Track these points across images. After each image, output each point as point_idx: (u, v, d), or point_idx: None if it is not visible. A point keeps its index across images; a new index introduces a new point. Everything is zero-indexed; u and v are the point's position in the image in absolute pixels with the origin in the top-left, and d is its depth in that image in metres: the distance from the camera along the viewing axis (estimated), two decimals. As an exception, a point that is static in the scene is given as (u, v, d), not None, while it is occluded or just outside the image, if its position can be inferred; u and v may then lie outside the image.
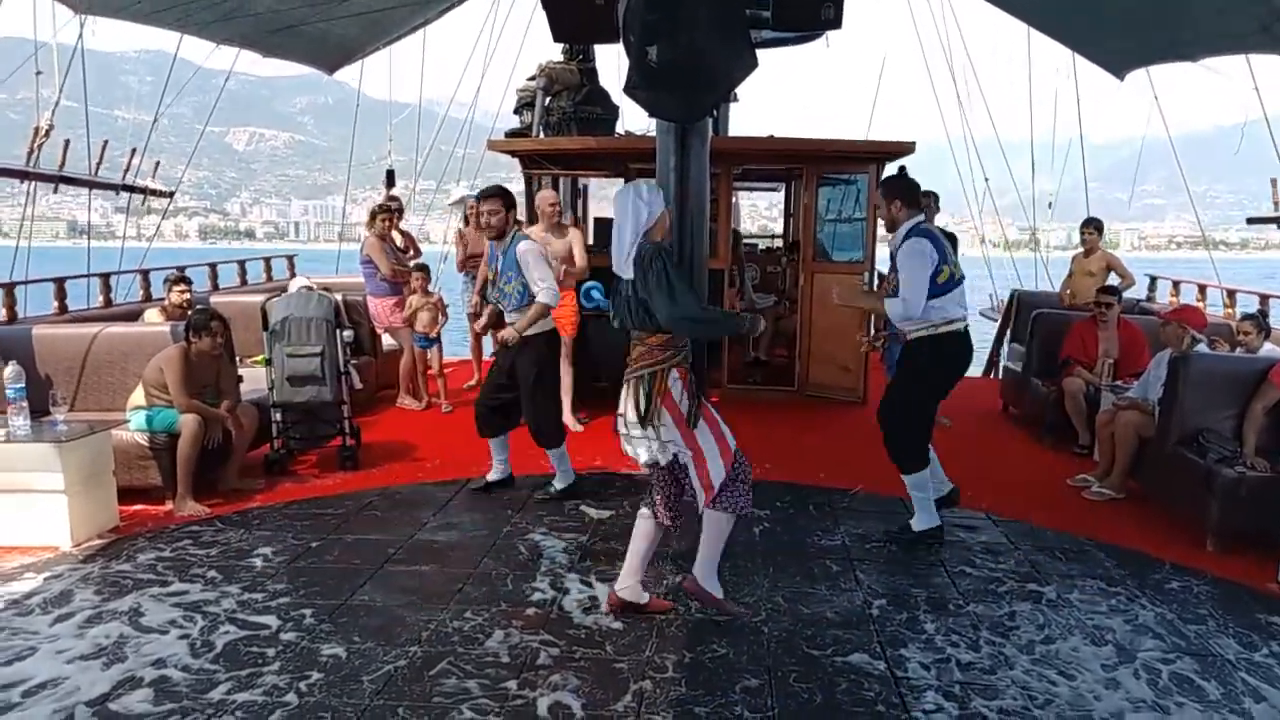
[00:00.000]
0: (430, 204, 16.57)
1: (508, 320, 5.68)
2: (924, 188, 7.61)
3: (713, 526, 3.97)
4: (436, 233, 17.74)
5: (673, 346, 3.92)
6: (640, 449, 3.96)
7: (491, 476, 5.95)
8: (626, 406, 3.96)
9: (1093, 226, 8.66)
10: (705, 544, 4.01)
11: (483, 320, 6.33)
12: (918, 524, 5.03)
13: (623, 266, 3.99)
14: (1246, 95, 9.54)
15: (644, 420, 3.88)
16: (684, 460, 3.95)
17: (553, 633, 3.91)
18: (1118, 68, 10.22)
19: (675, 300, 3.80)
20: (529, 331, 5.59)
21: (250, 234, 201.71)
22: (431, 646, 3.77)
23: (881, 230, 5.92)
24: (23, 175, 8.53)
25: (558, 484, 5.81)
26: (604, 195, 11.88)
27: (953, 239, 7.59)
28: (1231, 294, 9.63)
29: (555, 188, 9.14)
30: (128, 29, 9.04)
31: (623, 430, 4.02)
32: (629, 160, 8.36)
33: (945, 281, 4.82)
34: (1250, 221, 11.30)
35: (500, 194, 5.73)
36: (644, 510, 4.12)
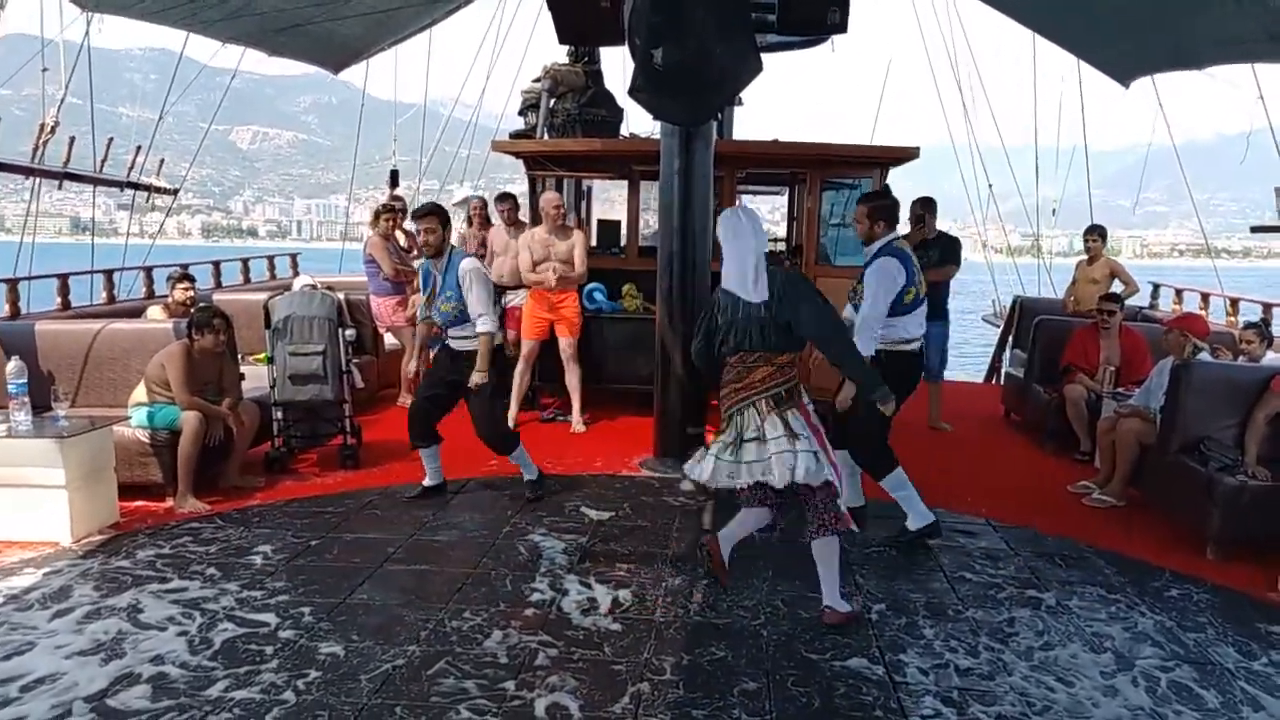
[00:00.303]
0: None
1: (447, 337, 5.55)
2: (925, 194, 7.58)
3: (825, 549, 4.11)
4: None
5: (795, 365, 4.14)
6: (780, 468, 3.89)
7: (429, 481, 5.80)
8: (765, 428, 3.96)
9: (1097, 233, 8.64)
10: (824, 568, 4.13)
11: (411, 364, 6.38)
12: (912, 523, 5.02)
13: (750, 290, 4.07)
14: (1251, 104, 9.55)
15: (792, 434, 3.94)
16: (813, 479, 3.93)
17: (551, 634, 3.91)
18: (1122, 75, 10.20)
19: (827, 313, 4.07)
20: (472, 347, 5.45)
21: (253, 232, 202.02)
22: (430, 646, 3.77)
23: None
24: (28, 171, 8.56)
25: (529, 476, 5.77)
26: (607, 198, 11.89)
27: (956, 243, 7.59)
28: (1235, 302, 9.62)
29: (559, 189, 9.16)
30: (132, 27, 9.09)
31: (753, 455, 3.96)
32: (633, 163, 8.37)
33: (910, 301, 4.88)
34: (1254, 230, 11.31)
35: (435, 211, 5.49)
36: (754, 505, 4.23)
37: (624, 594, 4.32)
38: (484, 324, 5.35)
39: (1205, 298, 10.04)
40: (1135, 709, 3.42)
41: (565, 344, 7.44)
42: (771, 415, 3.99)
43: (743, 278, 4.08)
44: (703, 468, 4.10)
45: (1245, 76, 9.14)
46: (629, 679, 3.53)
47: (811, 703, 3.40)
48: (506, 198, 8.31)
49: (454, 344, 5.54)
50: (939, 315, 7.63)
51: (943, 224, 8.06)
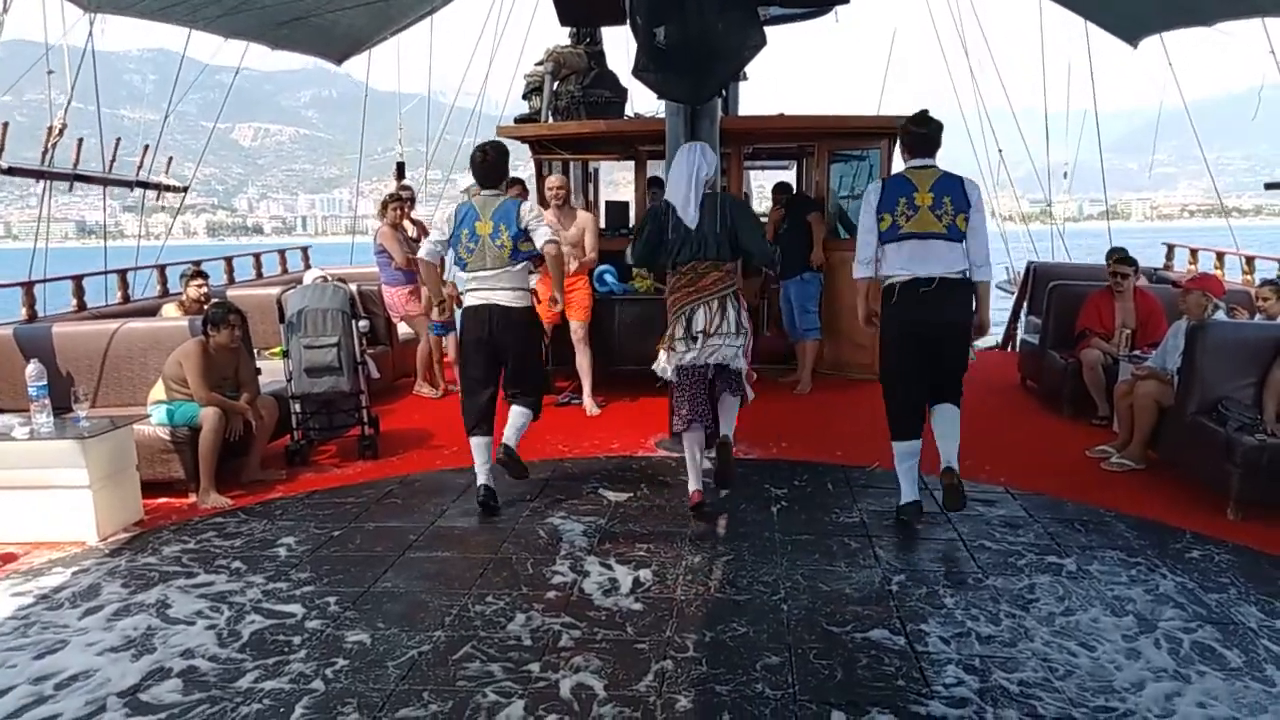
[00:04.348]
0: (441, 194, 16.59)
1: (493, 287, 5.13)
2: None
3: (733, 407, 5.20)
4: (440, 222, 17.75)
5: (735, 271, 5.02)
6: (724, 355, 4.91)
7: (491, 481, 5.34)
8: (717, 320, 4.87)
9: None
10: (727, 414, 5.20)
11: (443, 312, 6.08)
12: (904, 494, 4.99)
13: (685, 208, 4.95)
14: (1261, 59, 9.41)
15: (738, 328, 4.92)
16: (737, 365, 4.98)
17: (574, 615, 3.94)
18: (1131, 34, 10.10)
19: (763, 238, 5.06)
20: (519, 304, 5.18)
21: (258, 229, 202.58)
22: (454, 631, 3.81)
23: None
24: (38, 175, 8.61)
25: (512, 442, 5.34)
26: (613, 180, 11.86)
27: (802, 201, 8.39)
28: (1250, 260, 9.53)
29: (565, 172, 9.14)
30: (130, 29, 9.10)
31: (710, 342, 4.88)
32: (638, 143, 8.35)
33: (885, 230, 4.72)
34: (1269, 187, 11.19)
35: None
36: (691, 427, 5.08)
37: (644, 573, 4.35)
38: (544, 237, 5.11)
39: (1220, 257, 9.96)
40: (1158, 671, 3.43)
41: (576, 327, 7.44)
42: (721, 312, 4.88)
43: (683, 198, 4.97)
44: (665, 364, 5.06)
45: (1254, 31, 9.01)
46: (652, 657, 3.56)
47: (834, 675, 3.42)
48: (514, 183, 8.29)
49: (503, 300, 5.15)
50: (795, 271, 8.08)
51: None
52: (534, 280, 7.60)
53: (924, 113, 4.88)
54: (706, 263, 4.92)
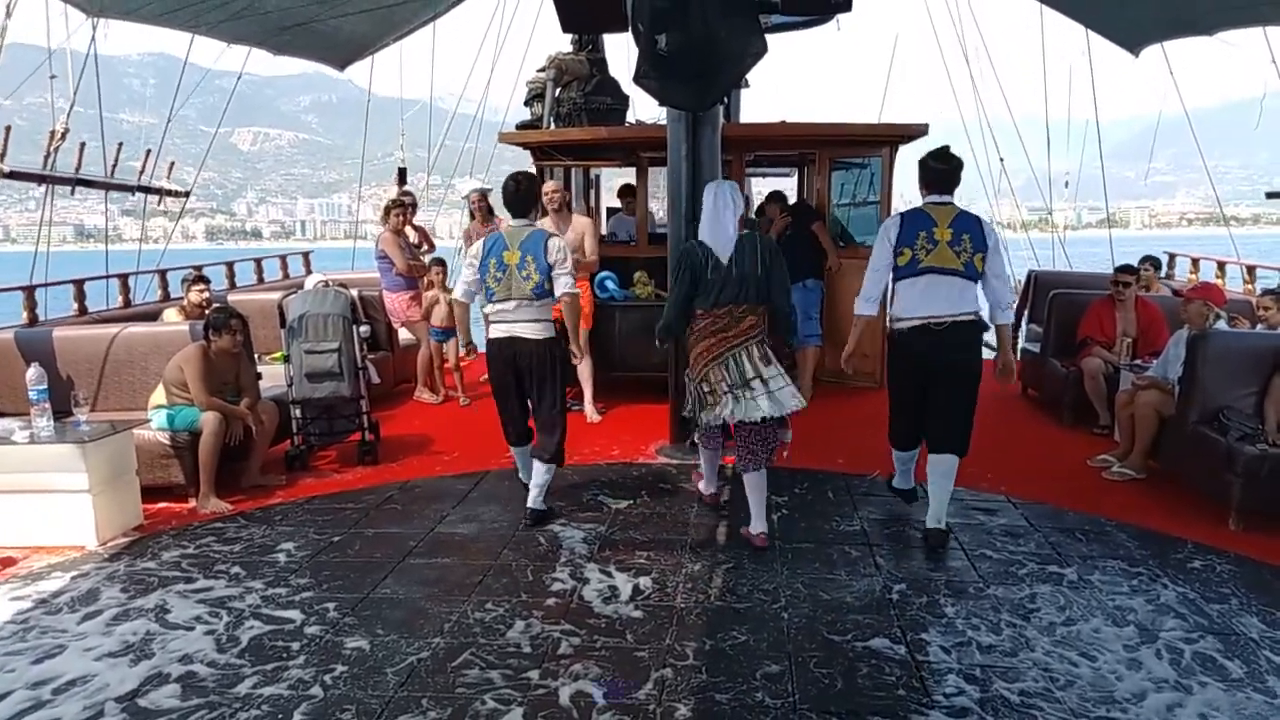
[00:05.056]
0: (441, 200, 16.59)
1: (515, 319, 5.09)
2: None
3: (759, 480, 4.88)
4: (443, 228, 17.73)
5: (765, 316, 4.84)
6: (777, 402, 4.67)
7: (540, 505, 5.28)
8: (759, 367, 4.68)
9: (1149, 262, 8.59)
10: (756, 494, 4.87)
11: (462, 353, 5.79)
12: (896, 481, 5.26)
13: (725, 248, 4.74)
14: (1260, 68, 9.43)
15: (781, 374, 4.74)
16: (794, 405, 4.74)
17: (573, 622, 3.93)
18: (1132, 44, 10.10)
19: (789, 293, 4.80)
20: (542, 335, 5.14)
21: (257, 234, 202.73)
22: (454, 638, 3.80)
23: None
24: (41, 179, 8.59)
25: (539, 504, 5.29)
26: (612, 186, 11.87)
27: (802, 209, 8.29)
28: (1251, 270, 9.53)
29: (567, 179, 9.14)
30: (131, 33, 9.06)
31: (758, 391, 4.65)
32: (640, 149, 8.35)
33: (903, 265, 4.67)
34: (1270, 196, 11.19)
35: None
36: (750, 469, 4.81)
37: (645, 581, 4.34)
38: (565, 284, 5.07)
39: (1221, 266, 9.96)
40: (1159, 681, 3.42)
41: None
42: (762, 358, 4.72)
43: (724, 238, 4.76)
44: (719, 411, 4.71)
45: (1253, 40, 9.02)
46: (652, 665, 3.55)
47: (834, 684, 3.41)
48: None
49: (526, 333, 5.10)
50: (798, 278, 7.93)
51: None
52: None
53: (945, 149, 4.86)
54: (744, 306, 4.71)
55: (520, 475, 5.64)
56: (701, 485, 5.49)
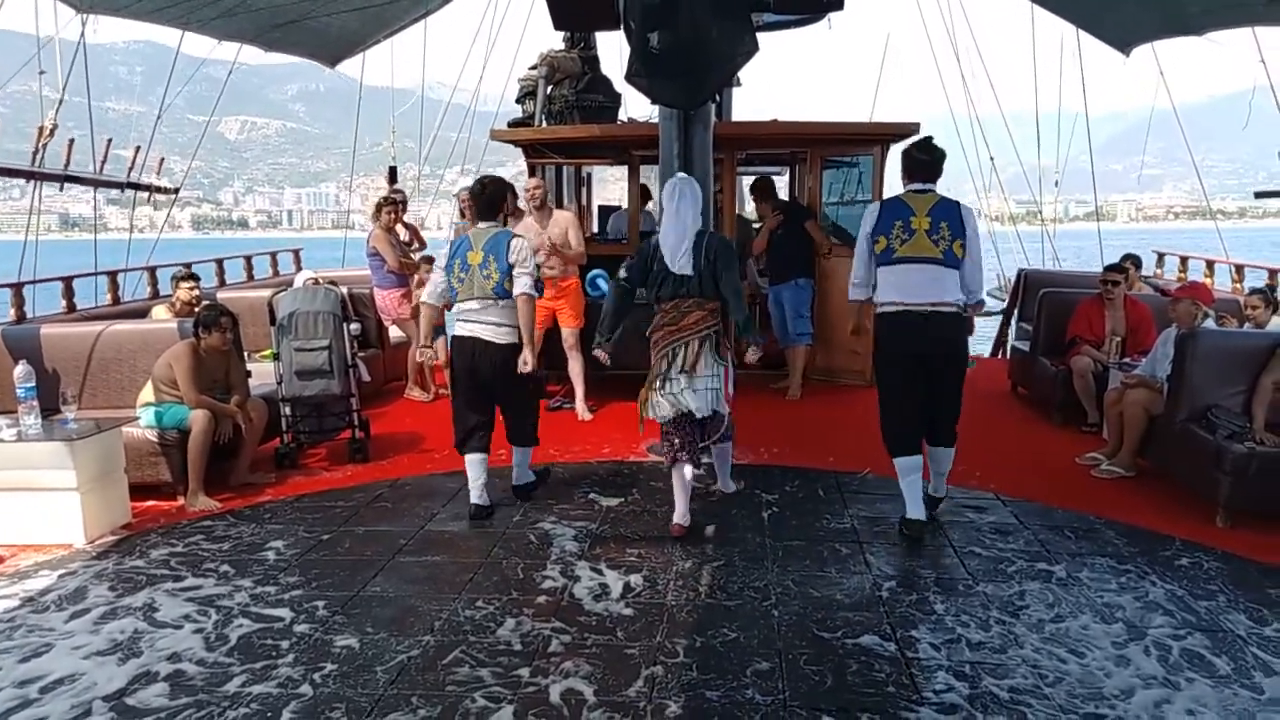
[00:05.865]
0: (435, 190, 16.56)
1: (477, 320, 5.12)
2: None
3: (726, 453, 5.47)
4: (432, 220, 17.70)
5: (720, 312, 4.94)
6: (701, 400, 4.83)
7: (484, 500, 5.30)
8: (695, 361, 4.81)
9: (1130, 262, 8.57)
10: (723, 463, 5.50)
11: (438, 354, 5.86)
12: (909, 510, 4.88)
13: (678, 248, 4.84)
14: (1247, 64, 9.50)
15: (715, 373, 4.87)
16: (718, 408, 4.94)
17: (564, 620, 3.93)
18: (1123, 43, 10.15)
19: (737, 278, 4.88)
20: (502, 340, 5.14)
21: (244, 223, 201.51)
22: (444, 636, 3.80)
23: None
24: (29, 175, 8.56)
25: (520, 480, 5.58)
26: (604, 178, 11.86)
27: (796, 209, 8.46)
28: (1239, 269, 9.58)
29: (558, 176, 9.12)
30: (119, 21, 8.95)
31: (683, 385, 4.82)
32: (632, 148, 8.34)
33: (880, 253, 4.72)
34: (1259, 196, 11.27)
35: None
36: (680, 461, 4.94)
37: (635, 579, 4.34)
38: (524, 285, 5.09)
39: (1210, 265, 10.00)
40: (1148, 678, 3.43)
41: (568, 334, 7.42)
42: (703, 353, 4.83)
43: (680, 236, 4.85)
44: (657, 409, 4.92)
45: (1243, 38, 9.08)
46: (642, 663, 3.55)
47: (824, 681, 3.42)
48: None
49: (486, 335, 5.13)
50: (789, 276, 8.15)
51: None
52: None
53: (929, 140, 4.89)
54: (690, 300, 4.85)
55: (471, 494, 5.27)
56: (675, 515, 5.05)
